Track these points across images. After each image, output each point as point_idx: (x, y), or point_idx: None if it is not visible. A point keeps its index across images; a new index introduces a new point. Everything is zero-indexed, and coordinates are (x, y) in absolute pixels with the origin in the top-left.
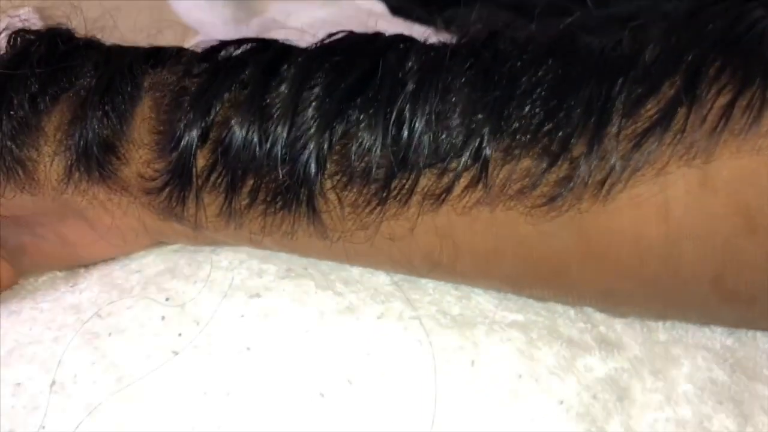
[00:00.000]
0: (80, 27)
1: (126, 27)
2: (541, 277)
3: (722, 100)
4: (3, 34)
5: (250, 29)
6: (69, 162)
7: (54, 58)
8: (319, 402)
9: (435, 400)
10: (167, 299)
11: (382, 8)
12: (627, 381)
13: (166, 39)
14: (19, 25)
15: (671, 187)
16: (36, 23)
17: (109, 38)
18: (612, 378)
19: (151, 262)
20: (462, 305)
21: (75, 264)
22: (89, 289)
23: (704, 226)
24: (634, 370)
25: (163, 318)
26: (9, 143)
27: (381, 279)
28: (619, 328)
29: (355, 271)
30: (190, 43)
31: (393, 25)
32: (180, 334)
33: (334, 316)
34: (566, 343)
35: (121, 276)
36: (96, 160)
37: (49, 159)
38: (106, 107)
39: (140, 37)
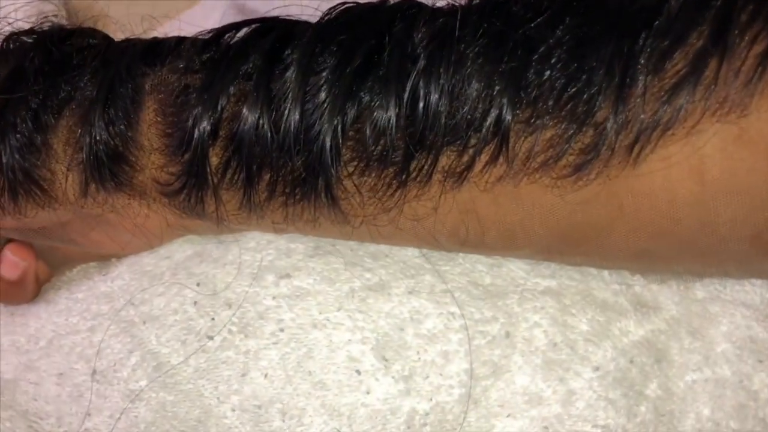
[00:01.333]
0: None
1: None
2: (571, 245)
3: (757, 48)
4: None
5: None
6: (83, 176)
7: (50, 67)
8: (357, 379)
9: (471, 374)
10: (198, 284)
11: None
12: (664, 342)
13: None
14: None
15: (705, 145)
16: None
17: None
18: (649, 341)
19: (179, 248)
20: (493, 274)
21: (106, 257)
22: (120, 277)
23: (742, 183)
24: (672, 331)
25: (195, 303)
26: (20, 164)
27: (410, 252)
28: (654, 287)
29: (383, 245)
30: (200, 2)
31: None
32: (213, 319)
33: (366, 293)
34: (601, 307)
35: (151, 263)
36: (109, 171)
37: (63, 176)
38: (111, 117)
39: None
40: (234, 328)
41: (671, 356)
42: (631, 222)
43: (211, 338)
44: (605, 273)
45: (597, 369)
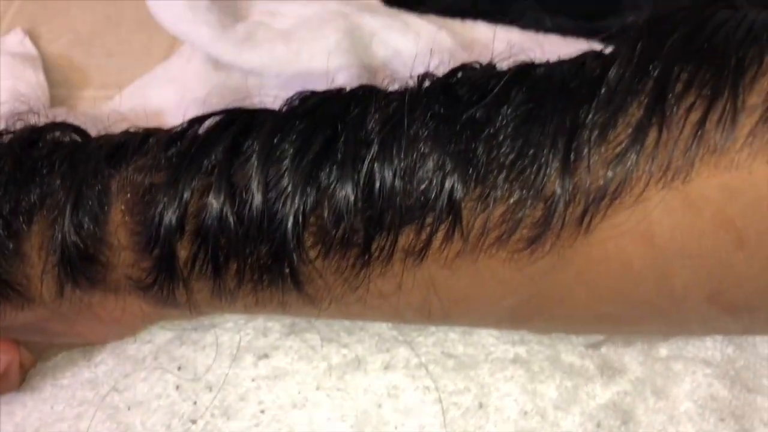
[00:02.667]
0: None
1: (114, 38)
2: (534, 314)
3: (693, 116)
4: None
5: (237, 36)
6: (58, 279)
7: (21, 175)
8: None
9: None
10: (179, 368)
11: (377, 0)
12: (630, 404)
13: (156, 48)
14: None
15: (653, 211)
16: (30, 48)
17: (97, 53)
18: (615, 403)
19: (160, 331)
20: (465, 342)
21: (89, 344)
22: (104, 362)
23: (693, 246)
24: (637, 392)
25: (177, 387)
26: None
27: (384, 324)
28: (620, 348)
29: None
30: (179, 50)
31: (381, 21)
32: (195, 402)
33: (343, 370)
34: (568, 372)
35: (133, 347)
36: (82, 272)
37: (38, 280)
38: (80, 220)
39: (130, 49)
40: (216, 411)
41: (637, 417)
42: (589, 288)
43: (194, 422)
44: (572, 336)
45: None
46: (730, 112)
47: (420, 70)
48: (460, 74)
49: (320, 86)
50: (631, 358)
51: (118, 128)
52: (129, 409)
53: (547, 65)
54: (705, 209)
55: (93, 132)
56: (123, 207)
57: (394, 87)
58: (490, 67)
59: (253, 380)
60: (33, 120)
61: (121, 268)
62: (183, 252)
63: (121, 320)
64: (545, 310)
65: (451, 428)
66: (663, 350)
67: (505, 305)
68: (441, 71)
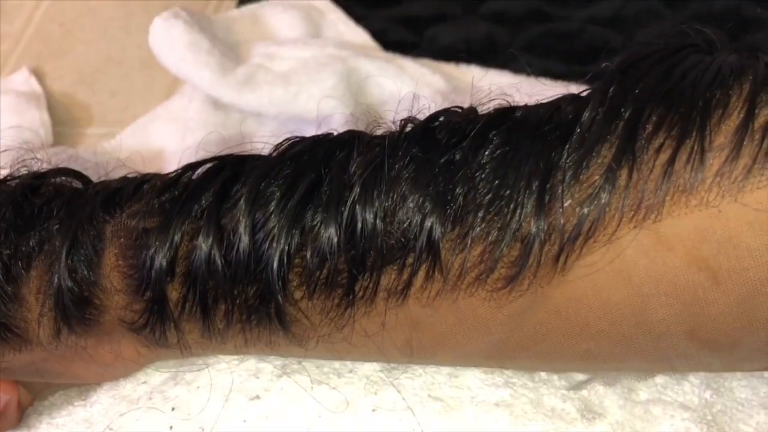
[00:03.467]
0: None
1: (117, 77)
2: (515, 351)
3: (663, 157)
4: None
5: (237, 78)
6: (54, 322)
7: (22, 221)
8: None
9: None
10: (173, 408)
11: (373, 44)
12: None
13: (158, 88)
14: None
15: (626, 249)
16: (35, 86)
17: (101, 92)
18: None
19: (155, 371)
20: (451, 385)
21: (85, 384)
22: (99, 402)
23: (667, 284)
24: None
25: (171, 427)
26: None
27: (372, 366)
28: (600, 389)
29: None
30: (181, 89)
31: (376, 64)
32: None
33: (332, 413)
34: (550, 416)
35: (129, 387)
36: (77, 315)
37: (36, 323)
38: (75, 265)
39: (133, 88)
40: None
41: None
42: (568, 326)
43: None
44: (555, 377)
45: None
46: (698, 152)
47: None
48: (441, 118)
49: (316, 128)
50: (611, 401)
51: (117, 172)
52: None
53: (524, 108)
54: (677, 247)
55: (93, 173)
56: (116, 251)
57: (380, 131)
58: (471, 110)
59: (244, 421)
60: (36, 165)
61: (115, 311)
62: (174, 294)
63: (116, 362)
64: (526, 348)
65: None
66: (643, 394)
67: (486, 343)
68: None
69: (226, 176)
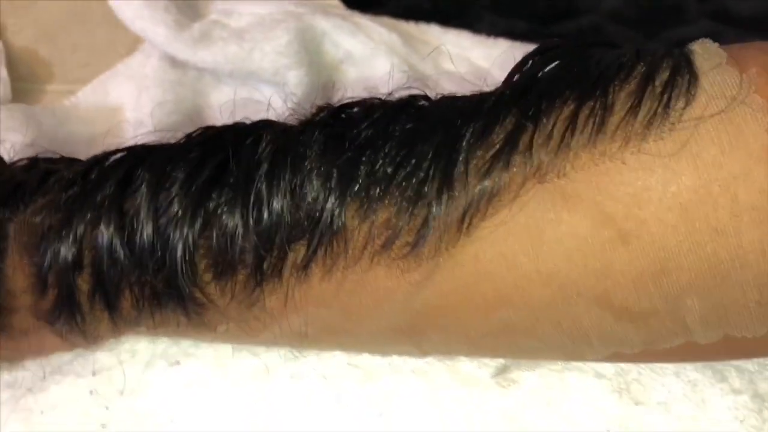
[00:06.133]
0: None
1: (80, 33)
2: (429, 326)
3: (566, 112)
4: None
5: (193, 35)
6: None
7: None
8: None
9: None
10: (93, 373)
11: (335, 0)
12: (524, 414)
13: (120, 45)
14: None
15: (531, 207)
16: None
17: (62, 48)
18: (509, 413)
19: None
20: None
21: None
22: (25, 367)
23: (574, 242)
24: (531, 403)
25: (91, 392)
26: None
27: None
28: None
29: None
30: (142, 47)
31: (332, 22)
32: (107, 408)
33: (252, 379)
34: (465, 383)
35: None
36: None
37: None
38: None
39: (95, 44)
40: (127, 417)
41: (530, 427)
42: (477, 294)
43: (104, 426)
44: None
45: None
46: (599, 108)
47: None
48: (355, 109)
49: (272, 85)
50: (526, 369)
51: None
52: (42, 412)
53: (441, 96)
54: (582, 203)
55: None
56: (21, 249)
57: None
58: (386, 101)
59: (164, 388)
60: None
61: (24, 311)
62: (84, 285)
63: (42, 354)
64: (436, 321)
65: None
66: (558, 363)
67: (395, 316)
68: (392, 74)
69: (130, 163)
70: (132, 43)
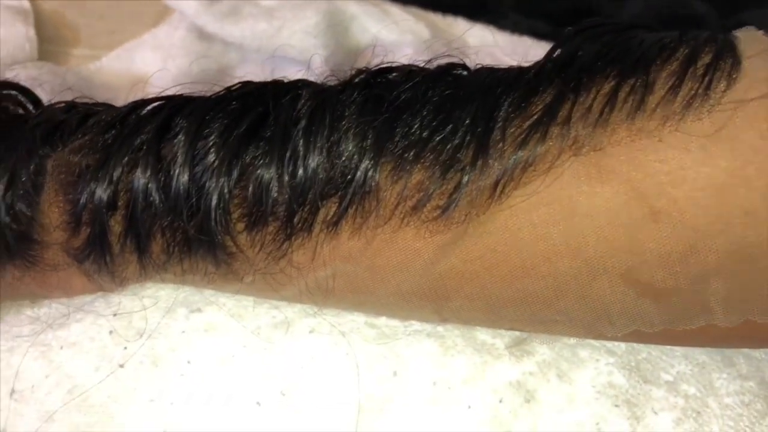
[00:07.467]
0: None
1: (109, 2)
2: (452, 291)
3: (606, 87)
4: None
5: (222, 9)
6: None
7: None
8: (256, 410)
9: (359, 409)
10: (114, 314)
11: None
12: (534, 384)
13: (147, 15)
14: None
15: (566, 179)
16: (23, 1)
17: (90, 14)
18: (520, 382)
19: None
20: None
21: None
22: (47, 305)
23: (605, 216)
24: (542, 373)
25: (110, 332)
26: None
27: None
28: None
29: None
30: (169, 18)
31: (361, 7)
32: (126, 348)
33: (271, 331)
34: (478, 349)
35: None
36: (18, 252)
37: None
38: (14, 201)
39: (122, 13)
40: (145, 359)
41: (539, 397)
42: (503, 262)
43: (122, 366)
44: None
45: (470, 408)
46: (640, 86)
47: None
48: (394, 73)
49: (297, 67)
50: (541, 341)
51: (95, 93)
52: (61, 348)
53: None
54: (616, 178)
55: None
56: (56, 187)
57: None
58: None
59: (183, 332)
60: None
61: (56, 247)
62: (116, 227)
63: (68, 292)
64: (462, 286)
65: (364, 393)
66: (572, 338)
67: (419, 278)
68: (417, 61)
69: (169, 111)
70: (158, 15)
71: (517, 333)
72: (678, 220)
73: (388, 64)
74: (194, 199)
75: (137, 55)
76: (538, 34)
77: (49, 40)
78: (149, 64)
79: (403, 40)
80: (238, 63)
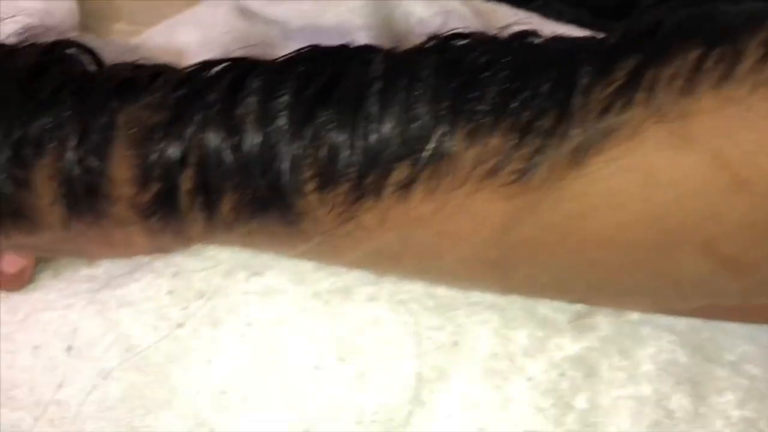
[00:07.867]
0: None
1: None
2: (522, 260)
3: (692, 54)
4: None
5: None
6: (64, 210)
7: (32, 105)
8: (314, 375)
9: (418, 378)
10: (174, 275)
11: None
12: (595, 359)
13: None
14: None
15: (648, 146)
16: None
17: None
18: (581, 357)
19: None
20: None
21: None
22: (105, 263)
23: (687, 185)
24: (603, 349)
25: (169, 292)
26: (5, 195)
27: None
28: (593, 307)
29: None
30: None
31: None
32: (185, 308)
33: (330, 296)
34: (540, 323)
35: None
36: (86, 205)
37: (47, 211)
38: (85, 153)
39: None
40: (204, 320)
41: (600, 372)
42: (582, 229)
43: (181, 326)
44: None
45: (530, 380)
46: (729, 55)
47: None
48: (467, 40)
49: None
50: (603, 317)
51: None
52: (119, 307)
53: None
54: (700, 147)
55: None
56: (128, 140)
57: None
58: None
59: (243, 294)
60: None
61: (124, 201)
62: (186, 184)
63: (129, 251)
64: (533, 254)
65: (424, 361)
66: (635, 315)
67: (492, 246)
68: None
69: (241, 71)
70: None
71: (579, 307)
72: (765, 190)
73: (460, 30)
74: (266, 159)
75: (178, 31)
76: (583, 24)
77: (89, 14)
78: (190, 41)
79: (449, 23)
80: (280, 41)
